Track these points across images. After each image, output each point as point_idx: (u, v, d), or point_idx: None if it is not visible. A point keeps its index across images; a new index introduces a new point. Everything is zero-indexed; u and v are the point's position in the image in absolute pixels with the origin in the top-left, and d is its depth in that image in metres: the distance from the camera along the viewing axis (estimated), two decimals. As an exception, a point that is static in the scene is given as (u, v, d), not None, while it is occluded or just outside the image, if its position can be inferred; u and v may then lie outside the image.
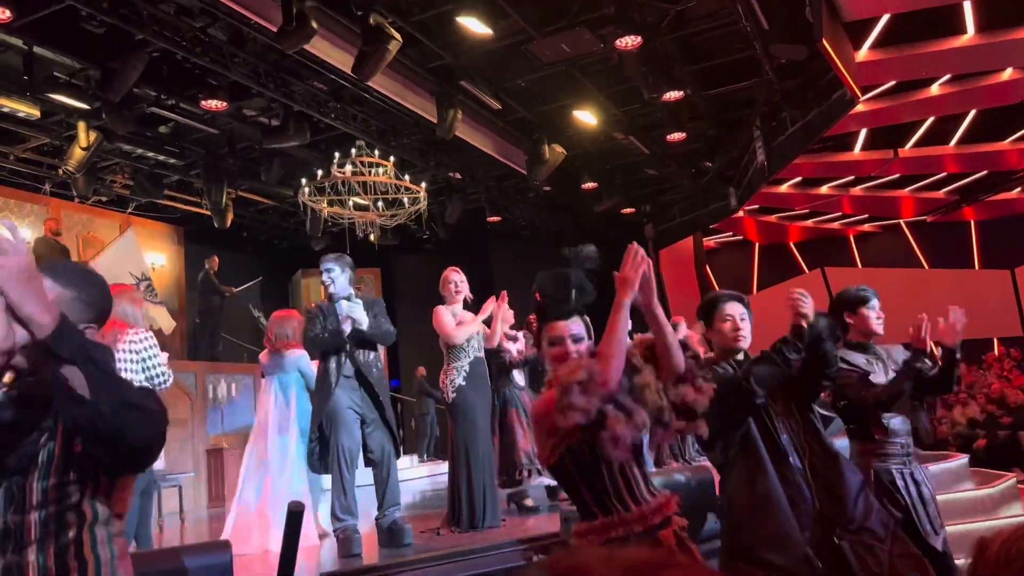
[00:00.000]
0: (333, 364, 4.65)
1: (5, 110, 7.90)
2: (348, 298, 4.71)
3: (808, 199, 13.65)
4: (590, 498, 2.12)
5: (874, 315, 3.35)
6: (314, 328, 4.64)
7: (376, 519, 4.70)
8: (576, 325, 2.30)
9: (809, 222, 15.45)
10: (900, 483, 3.12)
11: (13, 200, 10.34)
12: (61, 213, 10.64)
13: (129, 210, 11.52)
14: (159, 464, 8.03)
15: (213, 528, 7.24)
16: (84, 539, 1.54)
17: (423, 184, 10.22)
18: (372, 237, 11.38)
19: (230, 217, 10.82)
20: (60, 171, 9.39)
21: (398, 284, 15.01)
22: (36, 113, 8.04)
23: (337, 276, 4.74)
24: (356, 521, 4.57)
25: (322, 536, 5.30)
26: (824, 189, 13.44)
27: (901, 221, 15.27)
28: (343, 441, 4.57)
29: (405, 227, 12.08)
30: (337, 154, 9.52)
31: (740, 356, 2.89)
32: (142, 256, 10.89)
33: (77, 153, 8.61)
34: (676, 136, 10.62)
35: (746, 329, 2.87)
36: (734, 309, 2.87)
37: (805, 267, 15.66)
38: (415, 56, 8.20)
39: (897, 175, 12.96)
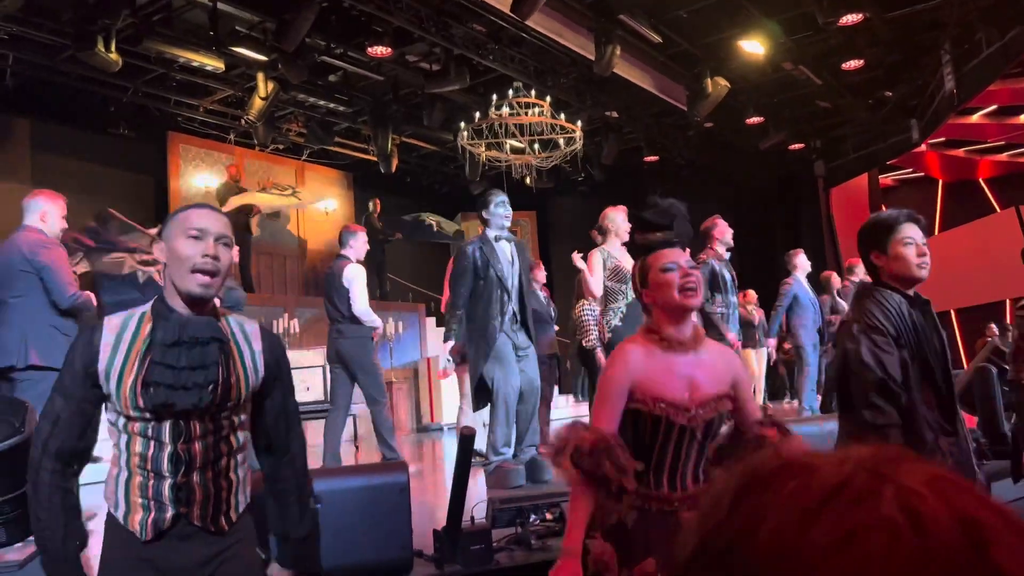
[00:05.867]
0: (497, 302, 4.74)
1: (195, 64, 8.54)
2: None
3: (1004, 130, 12.31)
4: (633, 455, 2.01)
5: None
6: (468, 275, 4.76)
7: (513, 455, 4.79)
8: (685, 254, 2.09)
9: (1004, 156, 13.95)
10: None
11: (203, 149, 11.22)
12: (244, 161, 11.45)
13: (303, 157, 12.22)
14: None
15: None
16: (230, 464, 1.83)
17: (579, 123, 10.12)
18: (528, 180, 11.46)
19: (395, 162, 11.24)
20: (242, 121, 10.09)
21: (553, 227, 15.07)
22: (221, 66, 8.63)
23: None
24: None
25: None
26: (1023, 118, 12.09)
27: (1117, 153, 13.51)
28: (511, 378, 4.68)
29: (560, 169, 12.05)
30: (495, 96, 9.60)
31: (912, 292, 2.49)
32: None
33: (257, 103, 9.19)
34: (852, 64, 9.86)
35: (929, 257, 2.46)
36: (916, 233, 2.47)
37: (997, 206, 14.24)
38: (573, -9, 8.06)
39: (1115, 100, 11.42)
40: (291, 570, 1.94)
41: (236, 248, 2.15)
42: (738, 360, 2.28)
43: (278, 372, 1.93)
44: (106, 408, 1.82)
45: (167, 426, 1.75)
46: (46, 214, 4.19)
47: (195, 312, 1.81)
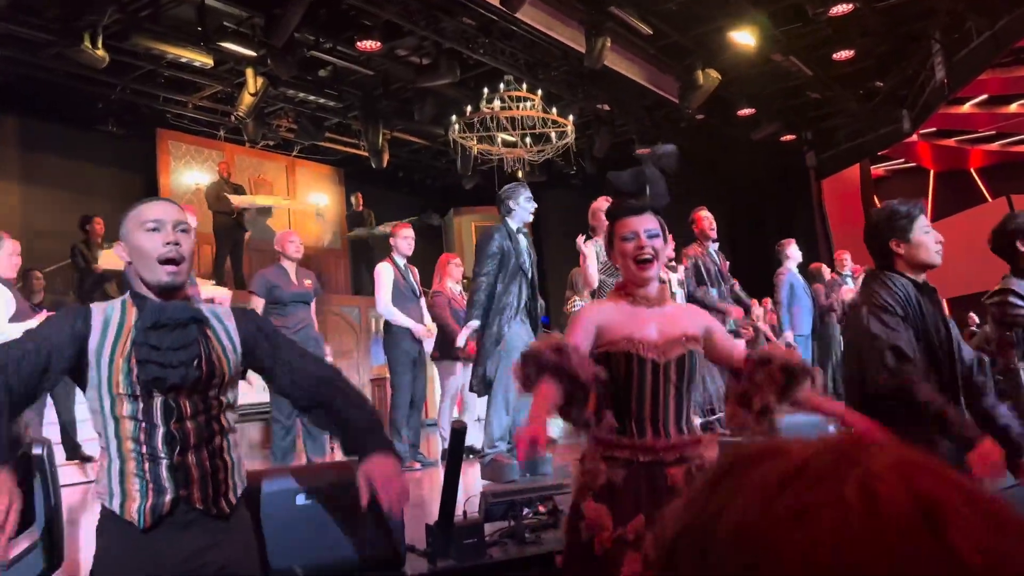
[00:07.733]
0: (515, 293, 4.72)
1: (183, 60, 8.48)
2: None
3: (994, 119, 12.34)
4: (613, 410, 2.05)
5: None
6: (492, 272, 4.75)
7: (510, 449, 4.78)
8: (650, 220, 2.12)
9: (995, 145, 13.99)
10: None
11: (193, 146, 11.16)
12: (234, 157, 11.38)
13: (294, 153, 12.16)
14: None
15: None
16: (223, 444, 1.83)
17: (571, 117, 10.10)
18: (520, 174, 11.42)
19: (386, 157, 11.20)
20: (232, 117, 10.03)
21: (545, 220, 15.02)
22: (209, 62, 8.57)
23: None
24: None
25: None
26: (1014, 107, 12.08)
27: (1107, 141, 13.54)
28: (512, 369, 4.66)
29: (552, 163, 12.04)
30: (486, 90, 9.56)
31: (921, 279, 2.62)
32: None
33: (246, 99, 9.14)
34: (843, 55, 9.86)
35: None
36: (928, 222, 2.67)
37: (988, 195, 14.27)
38: (563, -16, 8.02)
39: (1104, 88, 11.44)
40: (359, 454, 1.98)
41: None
42: (707, 315, 2.34)
43: (261, 337, 1.94)
44: (89, 396, 1.79)
45: (158, 405, 1.74)
46: None
47: (167, 300, 1.83)
